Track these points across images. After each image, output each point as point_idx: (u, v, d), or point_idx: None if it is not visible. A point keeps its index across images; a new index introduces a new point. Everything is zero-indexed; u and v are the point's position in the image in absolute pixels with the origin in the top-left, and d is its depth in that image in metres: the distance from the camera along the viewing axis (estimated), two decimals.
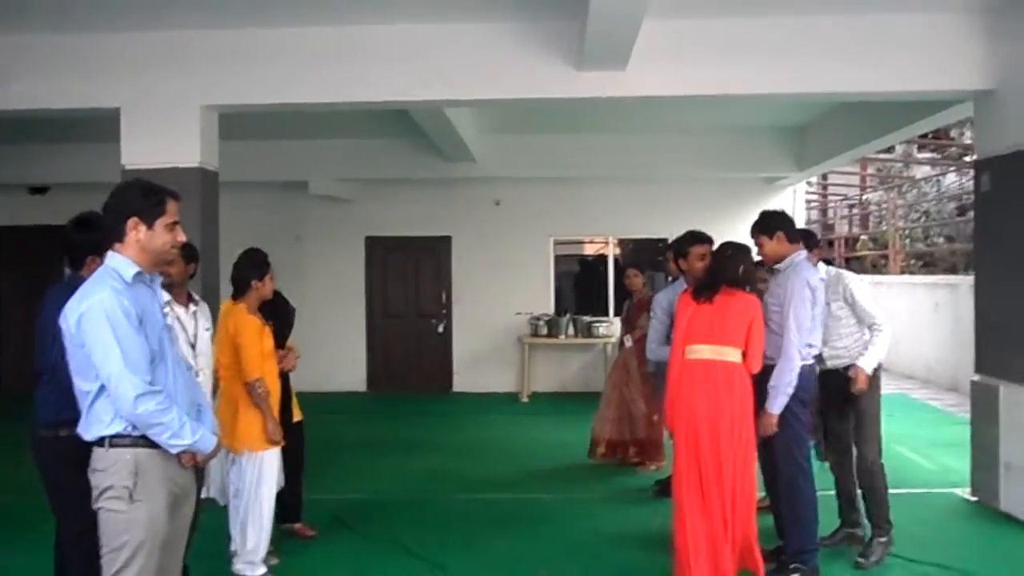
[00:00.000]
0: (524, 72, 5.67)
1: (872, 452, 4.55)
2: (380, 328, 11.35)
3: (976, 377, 5.76)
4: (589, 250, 11.90)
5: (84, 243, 3.33)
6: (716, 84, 5.74)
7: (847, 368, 4.52)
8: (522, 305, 10.98)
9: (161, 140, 5.77)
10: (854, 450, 4.69)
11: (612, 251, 11.38)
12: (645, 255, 11.12)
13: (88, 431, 2.71)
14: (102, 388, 2.65)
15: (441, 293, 11.30)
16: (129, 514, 2.66)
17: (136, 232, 2.74)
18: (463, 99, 6.10)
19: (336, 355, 10.77)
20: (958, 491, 5.96)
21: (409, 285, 11.40)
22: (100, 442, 2.69)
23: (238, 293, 4.34)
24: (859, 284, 4.59)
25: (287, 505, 4.88)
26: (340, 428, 8.35)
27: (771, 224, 4.38)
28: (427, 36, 5.71)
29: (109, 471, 2.67)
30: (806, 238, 4.78)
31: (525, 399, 10.51)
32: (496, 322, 11.05)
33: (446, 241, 11.24)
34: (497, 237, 11.06)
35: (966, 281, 10.76)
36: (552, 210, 11.05)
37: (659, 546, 4.76)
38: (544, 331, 10.62)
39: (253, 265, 4.33)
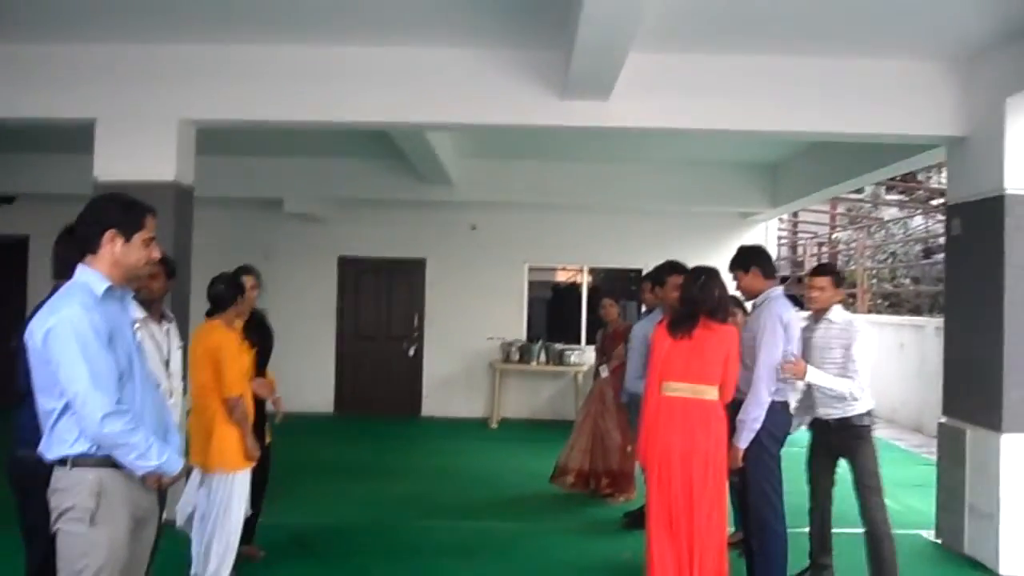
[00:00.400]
0: (508, 99, 5.69)
1: (876, 511, 4.44)
2: (350, 349, 11.24)
3: (943, 419, 5.82)
4: (561, 278, 11.91)
5: (71, 254, 3.22)
6: (696, 119, 5.79)
7: (840, 421, 4.45)
8: (494, 331, 10.94)
9: (136, 153, 5.67)
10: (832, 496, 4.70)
11: (585, 280, 11.40)
12: (617, 285, 11.17)
13: (50, 451, 2.62)
14: (67, 406, 2.56)
15: (413, 316, 11.22)
16: (89, 537, 2.57)
17: (112, 245, 2.68)
18: (446, 123, 6.09)
19: (304, 375, 10.62)
20: (922, 533, 5.98)
21: (381, 307, 11.31)
22: (62, 462, 2.60)
23: (215, 310, 4.26)
24: (865, 340, 4.45)
25: (245, 527, 4.77)
26: (306, 450, 8.21)
27: (746, 259, 4.44)
28: (412, 59, 5.70)
29: (70, 491, 2.58)
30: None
31: (494, 425, 10.44)
32: (468, 347, 11.00)
33: (420, 264, 11.19)
34: (472, 262, 11.03)
35: (931, 323, 10.93)
36: (527, 237, 11.08)
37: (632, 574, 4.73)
38: (516, 357, 10.59)
39: (234, 283, 4.33)
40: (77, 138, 5.91)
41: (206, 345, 4.15)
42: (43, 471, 2.67)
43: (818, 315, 4.52)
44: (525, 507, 6.57)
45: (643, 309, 6.40)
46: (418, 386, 11.16)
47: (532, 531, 5.88)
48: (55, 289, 2.92)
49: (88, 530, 2.57)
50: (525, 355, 10.60)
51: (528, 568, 5.12)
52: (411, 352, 11.17)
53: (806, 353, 4.45)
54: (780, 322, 4.22)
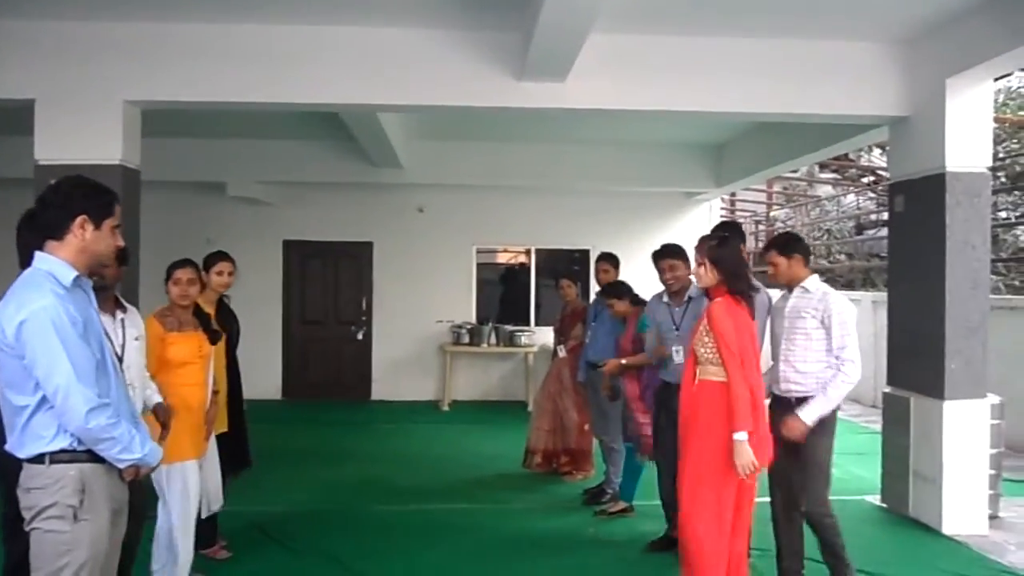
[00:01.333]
0: (465, 80, 5.65)
1: (815, 504, 4.15)
2: (297, 334, 11.09)
3: (888, 389, 6.05)
4: (509, 259, 11.94)
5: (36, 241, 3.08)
6: (649, 100, 5.86)
7: (800, 400, 4.13)
8: (443, 313, 10.92)
9: (79, 135, 5.47)
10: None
11: (533, 261, 11.44)
12: (563, 265, 11.24)
13: (23, 448, 2.52)
14: (42, 401, 2.47)
15: (361, 300, 11.12)
16: (72, 534, 2.50)
17: (83, 232, 2.57)
18: (401, 105, 6.03)
19: (251, 362, 10.24)
20: (867, 498, 6.23)
21: (328, 291, 11.18)
22: (39, 459, 2.51)
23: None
24: (844, 309, 4.14)
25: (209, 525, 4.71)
26: (257, 437, 8.01)
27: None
28: (366, 39, 5.62)
29: (49, 489, 2.50)
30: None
31: (446, 407, 10.44)
32: (417, 330, 10.95)
33: (367, 247, 11.08)
34: (420, 244, 10.97)
35: (867, 296, 11.33)
36: (475, 218, 11.06)
37: (594, 552, 4.83)
38: (466, 340, 10.59)
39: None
40: (13, 119, 5.66)
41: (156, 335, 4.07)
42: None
43: (791, 286, 4.34)
44: (483, 487, 6.61)
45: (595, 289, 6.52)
46: (367, 370, 11.08)
47: (494, 511, 5.93)
48: None
49: (71, 527, 2.50)
50: (475, 337, 10.62)
51: (494, 546, 5.17)
52: (359, 336, 11.08)
53: (775, 322, 4.40)
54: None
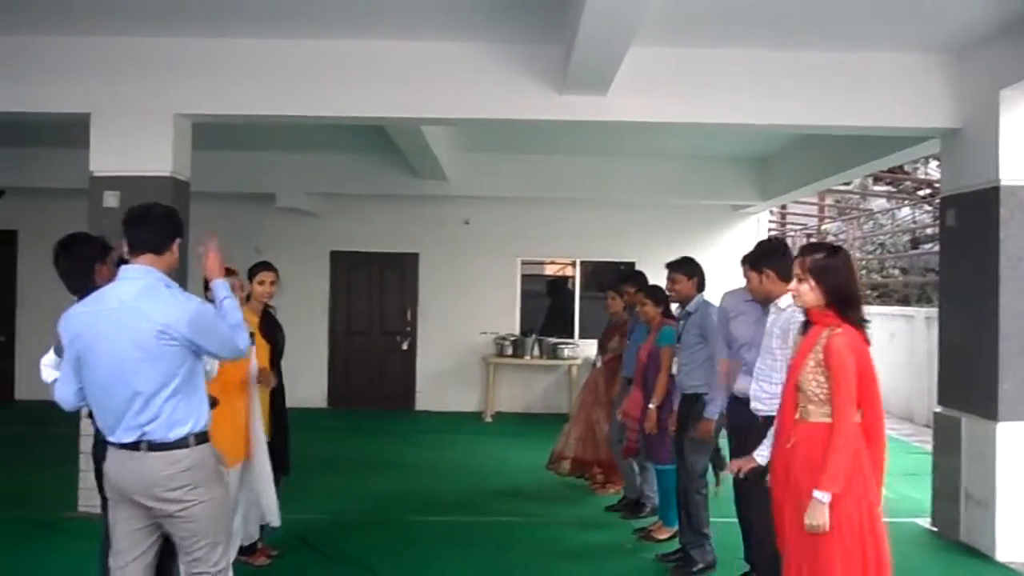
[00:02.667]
0: (506, 93, 5.68)
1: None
2: (343, 344, 11.22)
3: (939, 409, 5.88)
4: (550, 271, 11.93)
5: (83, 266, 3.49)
6: (693, 112, 5.82)
7: (768, 420, 3.63)
8: (487, 325, 10.95)
9: (132, 148, 5.66)
10: None
11: (577, 273, 11.41)
12: (608, 277, 11.17)
13: (170, 432, 2.86)
14: (179, 387, 2.87)
15: (406, 310, 11.21)
16: (227, 493, 3.07)
17: (174, 252, 3.03)
18: (444, 118, 6.09)
19: (297, 371, 10.46)
20: (918, 521, 6.05)
21: (374, 301, 11.30)
22: (183, 442, 2.88)
23: None
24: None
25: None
26: (300, 446, 8.10)
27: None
28: (410, 54, 5.69)
29: (202, 465, 2.93)
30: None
31: (488, 419, 10.46)
32: (461, 341, 11.00)
33: (413, 258, 11.18)
34: (464, 256, 11.03)
35: (920, 312, 11.04)
36: (520, 230, 11.08)
37: (632, 565, 4.84)
38: (509, 351, 10.61)
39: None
40: (67, 132, 5.86)
41: None
42: None
43: (766, 303, 4.10)
44: (523, 499, 6.60)
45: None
46: (412, 380, 11.15)
47: (531, 523, 5.91)
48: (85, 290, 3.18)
49: (223, 489, 3.05)
50: (518, 349, 10.62)
51: (530, 559, 5.15)
52: (404, 346, 11.17)
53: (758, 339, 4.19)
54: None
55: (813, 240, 17.33)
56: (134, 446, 2.86)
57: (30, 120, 6.26)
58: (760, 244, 4.55)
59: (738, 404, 4.27)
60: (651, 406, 5.25)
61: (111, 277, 3.39)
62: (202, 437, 2.95)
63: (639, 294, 5.71)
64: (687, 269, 5.03)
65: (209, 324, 2.92)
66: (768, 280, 4.02)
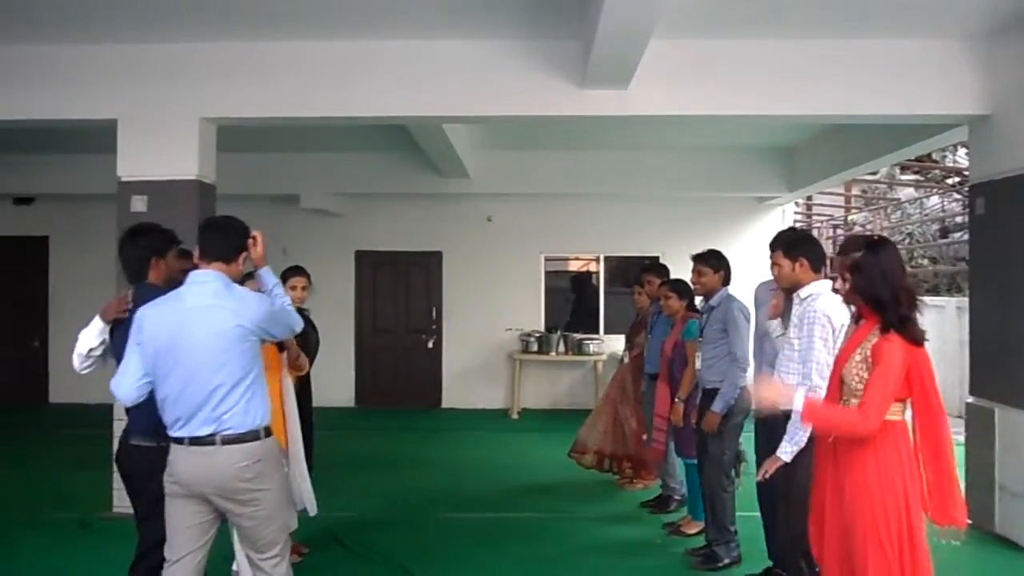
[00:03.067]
0: (527, 90, 5.69)
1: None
2: (369, 343, 11.29)
3: (971, 399, 5.80)
4: (574, 267, 11.90)
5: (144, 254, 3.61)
6: (716, 104, 5.78)
7: (787, 415, 3.50)
8: (512, 321, 10.95)
9: (158, 152, 5.74)
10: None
11: (601, 268, 11.38)
12: (633, 272, 11.12)
13: (244, 424, 3.02)
14: (252, 381, 3.06)
15: (431, 308, 11.25)
16: (286, 481, 3.38)
17: (240, 263, 3.27)
18: (465, 116, 6.11)
19: (324, 370, 10.46)
20: None
21: (399, 300, 11.35)
22: (254, 434, 3.05)
23: None
24: (820, 317, 3.62)
25: None
26: (328, 444, 8.16)
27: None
28: (430, 53, 5.71)
29: (271, 455, 3.13)
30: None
31: (515, 416, 10.48)
32: (486, 338, 11.01)
33: (437, 256, 11.21)
34: (488, 253, 11.04)
35: (951, 302, 10.88)
36: (543, 227, 11.07)
37: (661, 561, 4.85)
38: (534, 348, 10.61)
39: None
40: (94, 139, 5.95)
41: None
42: (159, 458, 3.12)
43: (790, 291, 4.02)
44: (550, 496, 6.60)
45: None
46: (438, 378, 11.19)
47: (560, 519, 5.91)
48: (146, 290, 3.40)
49: (284, 476, 3.36)
50: (544, 345, 10.62)
51: (559, 555, 5.15)
52: (430, 344, 11.21)
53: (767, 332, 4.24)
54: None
55: (840, 230, 17.17)
56: (208, 440, 2.99)
57: (58, 127, 6.37)
58: (791, 231, 4.52)
59: None
60: (677, 400, 5.24)
61: (169, 273, 3.59)
62: (268, 430, 3.13)
63: (663, 287, 5.68)
64: (714, 262, 4.98)
65: (274, 312, 3.23)
66: (801, 268, 3.94)
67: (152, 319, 3.05)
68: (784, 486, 3.83)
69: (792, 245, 4.01)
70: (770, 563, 4.52)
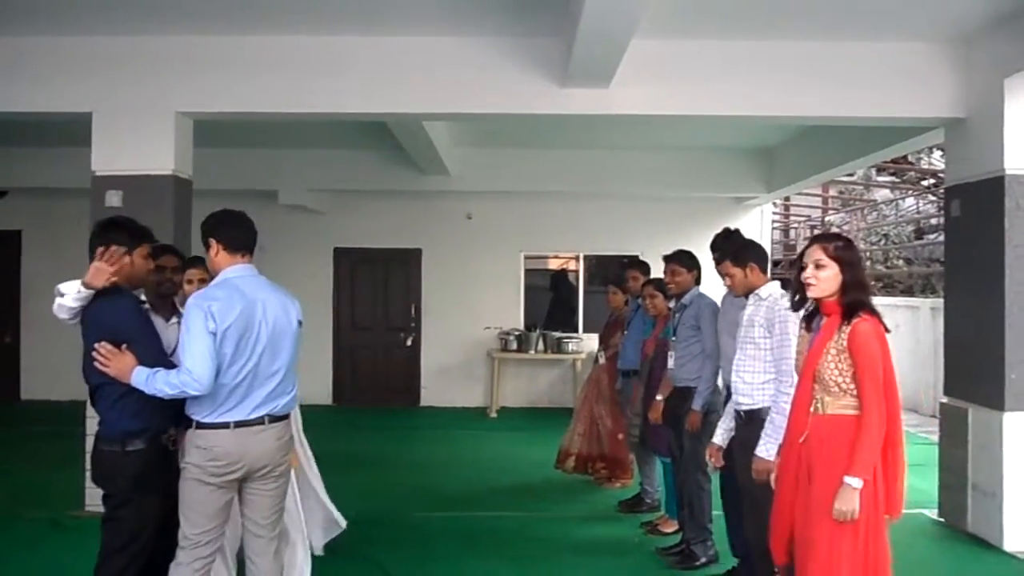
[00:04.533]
0: (507, 87, 5.67)
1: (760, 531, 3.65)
2: (347, 340, 11.22)
3: (945, 399, 5.87)
4: (554, 265, 11.91)
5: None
6: (696, 105, 5.79)
7: (749, 414, 3.90)
8: (491, 320, 10.94)
9: (134, 146, 5.65)
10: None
11: (581, 267, 11.39)
12: (612, 271, 11.16)
13: (286, 404, 3.31)
14: (293, 364, 3.33)
15: (410, 306, 11.21)
16: None
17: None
18: (445, 113, 6.07)
19: (302, 367, 10.44)
20: (925, 511, 6.03)
21: (378, 298, 11.29)
22: (289, 414, 3.36)
23: None
24: (793, 319, 3.59)
25: None
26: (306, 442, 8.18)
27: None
28: (410, 49, 5.68)
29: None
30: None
31: (494, 414, 10.46)
32: (465, 336, 10.99)
33: (416, 254, 11.17)
34: (468, 251, 11.01)
35: (925, 303, 11.01)
36: (523, 225, 11.06)
37: (640, 560, 4.86)
38: (514, 346, 10.59)
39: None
40: (70, 131, 5.86)
41: None
42: (120, 460, 3.13)
43: (747, 292, 4.10)
44: (529, 495, 6.59)
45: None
46: (416, 376, 11.15)
47: (538, 518, 5.90)
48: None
49: None
50: (523, 344, 10.61)
51: (538, 554, 5.14)
52: (409, 342, 11.17)
53: (726, 330, 4.35)
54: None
55: (816, 232, 17.31)
56: (259, 421, 3.18)
57: (32, 120, 6.27)
58: (730, 237, 4.60)
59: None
60: (659, 398, 5.24)
61: (133, 272, 3.30)
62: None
63: (648, 286, 5.68)
64: (687, 261, 5.02)
65: None
66: (752, 273, 4.06)
67: (224, 308, 3.09)
68: (745, 483, 3.88)
69: (739, 253, 4.13)
70: (735, 562, 4.55)
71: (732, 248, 4.22)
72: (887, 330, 3.04)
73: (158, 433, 3.20)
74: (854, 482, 2.89)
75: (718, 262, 4.29)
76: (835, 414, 3.02)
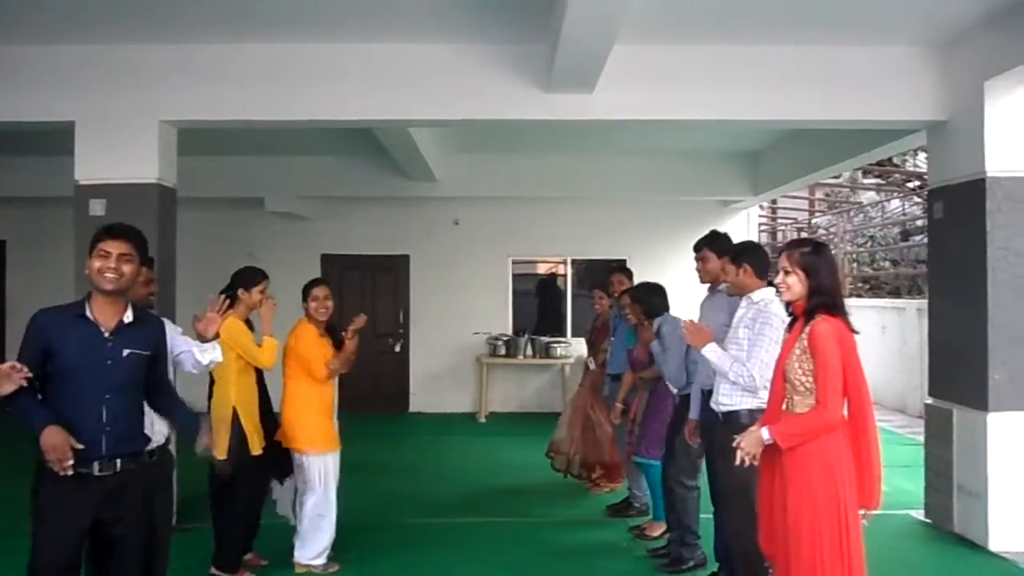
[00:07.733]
0: (492, 94, 5.68)
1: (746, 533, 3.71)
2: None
3: (930, 400, 5.90)
4: (542, 270, 11.92)
5: None
6: (679, 109, 5.82)
7: (728, 416, 3.93)
8: (480, 325, 10.94)
9: (118, 155, 5.62)
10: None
11: (569, 272, 11.41)
12: (600, 275, 11.17)
13: None
14: None
15: (398, 312, 11.19)
16: None
17: None
18: (430, 120, 6.09)
19: None
20: (911, 512, 6.07)
21: (366, 304, 11.18)
22: None
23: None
24: (772, 319, 3.78)
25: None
26: None
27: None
28: (394, 56, 5.68)
29: None
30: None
31: (482, 419, 10.46)
32: (454, 342, 10.99)
33: (404, 260, 11.16)
34: (455, 256, 11.01)
35: (912, 304, 11.07)
36: (511, 230, 11.07)
37: (631, 564, 4.89)
38: (502, 351, 10.60)
39: (247, 277, 4.89)
40: (53, 141, 5.82)
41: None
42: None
43: (740, 296, 4.15)
44: (518, 499, 6.60)
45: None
46: (405, 382, 11.14)
47: (528, 523, 5.91)
48: None
49: None
50: (511, 349, 10.61)
51: (527, 559, 5.14)
52: (397, 348, 11.15)
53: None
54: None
55: (804, 235, 17.37)
56: None
57: (14, 129, 6.23)
58: (726, 237, 4.74)
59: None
60: (692, 418, 5.21)
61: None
62: None
63: (624, 295, 5.71)
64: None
65: None
66: (745, 274, 4.08)
67: None
68: (725, 486, 3.89)
69: (739, 253, 4.18)
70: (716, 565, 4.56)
71: (734, 247, 4.31)
72: (854, 331, 3.12)
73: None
74: (764, 434, 3.12)
75: (718, 256, 4.44)
76: (803, 413, 3.12)
